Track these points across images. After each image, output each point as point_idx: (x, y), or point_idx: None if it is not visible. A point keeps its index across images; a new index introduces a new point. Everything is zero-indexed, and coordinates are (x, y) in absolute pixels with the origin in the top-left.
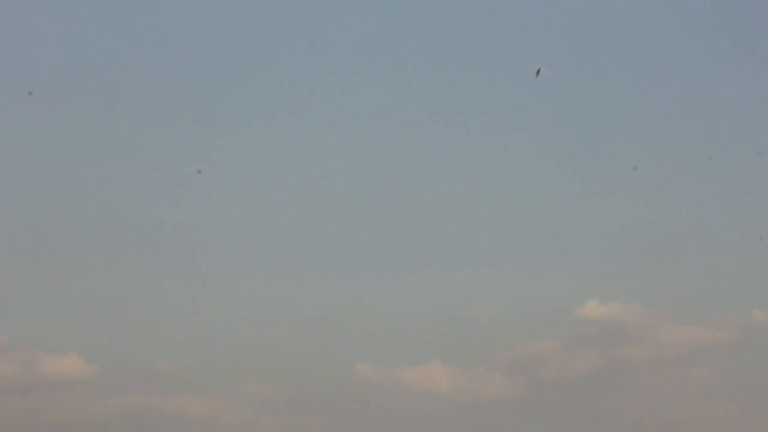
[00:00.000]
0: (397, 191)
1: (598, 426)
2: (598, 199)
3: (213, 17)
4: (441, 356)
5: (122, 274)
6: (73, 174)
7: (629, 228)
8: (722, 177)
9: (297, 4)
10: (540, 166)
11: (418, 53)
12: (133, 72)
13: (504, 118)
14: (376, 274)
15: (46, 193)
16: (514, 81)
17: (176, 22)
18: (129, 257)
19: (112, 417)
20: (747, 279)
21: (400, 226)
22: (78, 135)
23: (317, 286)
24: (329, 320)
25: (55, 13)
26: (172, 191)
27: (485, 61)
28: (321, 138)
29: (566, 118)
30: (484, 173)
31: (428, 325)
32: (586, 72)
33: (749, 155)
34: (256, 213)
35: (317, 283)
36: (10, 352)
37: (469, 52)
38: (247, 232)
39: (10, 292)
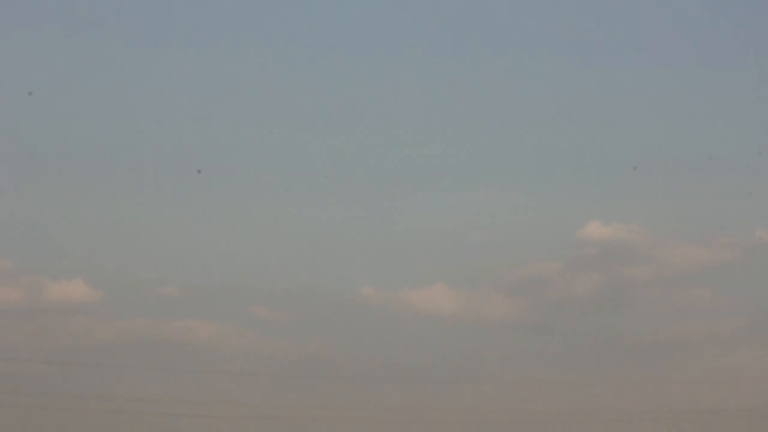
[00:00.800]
0: (400, 115)
1: (601, 345)
2: (599, 122)
3: (213, 17)
4: (444, 278)
5: (127, 200)
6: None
7: (630, 148)
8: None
9: (297, 4)
10: (543, 91)
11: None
12: (133, 71)
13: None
14: (378, 197)
15: (54, 124)
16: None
17: (176, 22)
18: (133, 183)
19: (117, 341)
20: (750, 198)
21: (401, 149)
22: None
23: (320, 210)
24: (333, 243)
25: (55, 13)
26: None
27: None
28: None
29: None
30: (486, 95)
31: (431, 247)
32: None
33: (749, 155)
34: (263, 131)
35: (320, 206)
36: (15, 278)
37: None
38: (252, 156)
39: (14, 219)
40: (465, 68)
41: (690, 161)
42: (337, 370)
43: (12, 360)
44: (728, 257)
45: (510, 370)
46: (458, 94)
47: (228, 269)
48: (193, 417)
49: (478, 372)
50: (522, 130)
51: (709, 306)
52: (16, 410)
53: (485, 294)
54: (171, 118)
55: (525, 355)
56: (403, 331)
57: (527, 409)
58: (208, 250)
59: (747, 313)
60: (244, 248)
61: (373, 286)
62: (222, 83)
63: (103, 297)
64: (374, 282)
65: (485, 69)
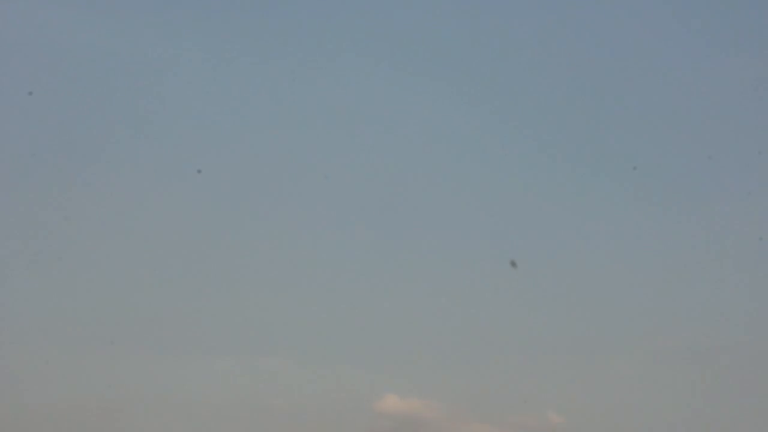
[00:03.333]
0: (198, 269)
1: None
2: (400, 298)
3: (213, 17)
4: None
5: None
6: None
7: (432, 325)
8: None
9: (297, 4)
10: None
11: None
12: (133, 71)
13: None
14: (178, 356)
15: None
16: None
17: (176, 22)
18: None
19: None
20: (543, 381)
21: (203, 309)
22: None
23: (119, 368)
24: (123, 402)
25: (55, 13)
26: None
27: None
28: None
29: None
30: (291, 260)
31: (228, 413)
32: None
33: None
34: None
35: (119, 364)
36: None
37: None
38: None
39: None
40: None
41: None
42: None
43: None
44: None
45: None
46: (255, 258)
47: None
48: None
49: None
50: (326, 301)
51: None
52: None
53: None
54: (171, 118)
55: None
56: None
57: None
58: None
59: None
60: None
61: None
62: (222, 83)
63: None
64: None
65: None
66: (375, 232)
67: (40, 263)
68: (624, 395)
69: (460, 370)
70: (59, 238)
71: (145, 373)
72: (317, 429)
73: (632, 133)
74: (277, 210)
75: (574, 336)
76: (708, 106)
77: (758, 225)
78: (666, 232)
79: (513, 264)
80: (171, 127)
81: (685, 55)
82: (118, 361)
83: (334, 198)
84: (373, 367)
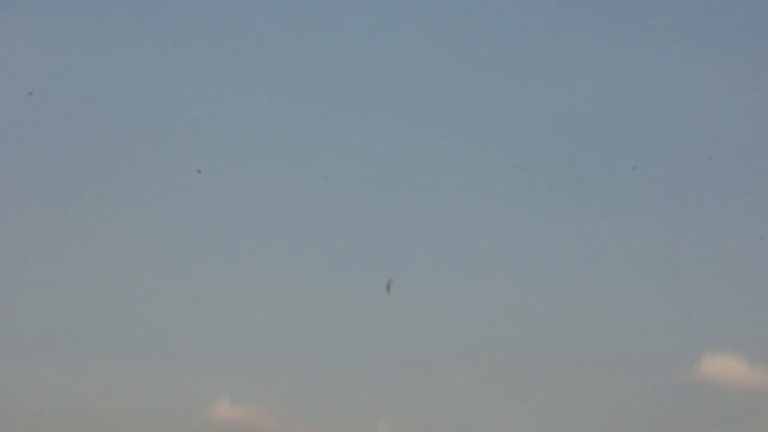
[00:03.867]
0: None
1: None
2: (235, 300)
3: (213, 17)
4: None
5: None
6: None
7: (265, 331)
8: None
9: (297, 3)
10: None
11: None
12: (133, 71)
13: None
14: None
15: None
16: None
17: (176, 21)
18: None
19: None
20: (376, 391)
21: (25, 313)
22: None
23: None
24: None
25: (55, 12)
26: None
27: (481, 63)
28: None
29: None
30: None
31: (52, 419)
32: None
33: (749, 155)
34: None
35: None
36: None
37: (466, 53)
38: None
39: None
40: None
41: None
42: None
43: None
44: None
45: None
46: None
47: None
48: None
49: None
50: (162, 303)
51: None
52: None
53: None
54: (171, 118)
55: None
56: None
57: None
58: None
59: None
60: None
61: None
62: (223, 83)
63: None
64: None
65: None
66: (209, 232)
67: None
68: (456, 408)
69: (293, 377)
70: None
71: None
72: None
73: (632, 132)
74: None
75: (407, 348)
76: (708, 106)
77: (758, 225)
78: (666, 232)
79: (388, 286)
80: (171, 127)
81: (685, 55)
82: None
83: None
84: (205, 372)
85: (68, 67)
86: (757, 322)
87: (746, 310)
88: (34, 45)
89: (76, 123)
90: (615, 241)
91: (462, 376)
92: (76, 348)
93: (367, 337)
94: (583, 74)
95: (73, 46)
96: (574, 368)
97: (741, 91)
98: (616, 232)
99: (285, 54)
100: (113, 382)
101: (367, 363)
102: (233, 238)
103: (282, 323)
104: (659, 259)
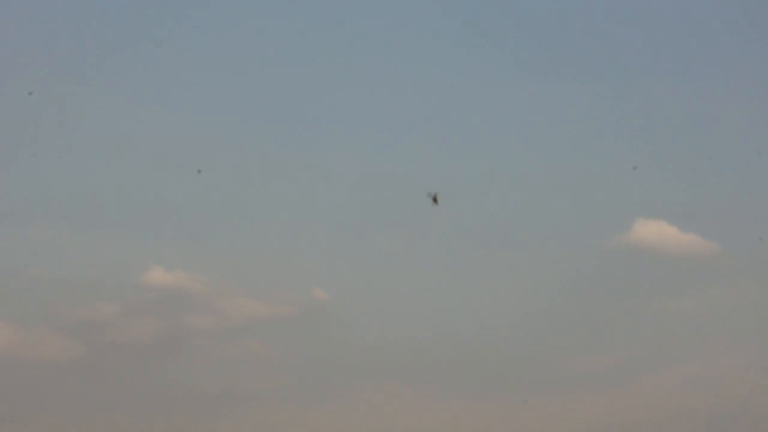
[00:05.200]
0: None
1: (156, 393)
2: (172, 171)
3: (213, 16)
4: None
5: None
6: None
7: (202, 197)
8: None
9: (297, 3)
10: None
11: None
12: (133, 71)
13: None
14: None
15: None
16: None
17: (176, 21)
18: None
19: None
20: (311, 258)
21: None
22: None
23: None
24: None
25: (55, 12)
26: None
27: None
28: None
29: None
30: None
31: None
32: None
33: (749, 155)
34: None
35: None
36: None
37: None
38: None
39: None
40: None
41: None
42: None
43: None
44: (285, 312)
45: (64, 414)
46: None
47: None
48: None
49: (28, 414)
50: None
51: (265, 358)
52: None
53: (41, 332)
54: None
55: (80, 398)
56: None
57: None
58: None
59: (299, 366)
60: None
61: None
62: (223, 82)
63: None
64: None
65: None
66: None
67: None
68: (389, 274)
69: (227, 245)
70: None
71: None
72: (80, 300)
73: (632, 133)
74: None
75: (341, 216)
76: (708, 106)
77: (758, 225)
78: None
79: (435, 199)
80: (171, 127)
81: (685, 55)
82: None
83: None
84: (139, 239)
85: (68, 67)
86: (686, 189)
87: (676, 179)
88: (35, 44)
89: (76, 123)
90: (557, 106)
91: (395, 243)
92: (9, 214)
93: (301, 206)
94: None
95: (73, 44)
96: (510, 237)
97: (742, 92)
98: (561, 97)
99: (285, 53)
100: (47, 247)
101: (301, 230)
102: (171, 118)
103: (217, 194)
104: (596, 126)
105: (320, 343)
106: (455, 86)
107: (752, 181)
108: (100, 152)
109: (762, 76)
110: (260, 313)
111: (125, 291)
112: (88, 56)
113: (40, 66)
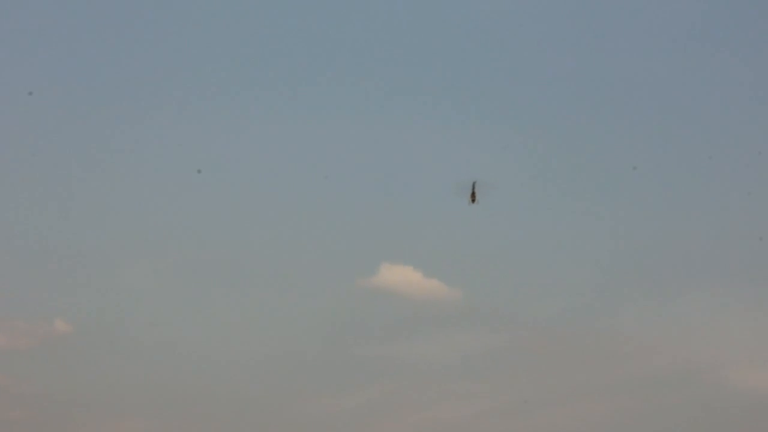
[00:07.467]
0: None
1: None
2: None
3: (212, 16)
4: None
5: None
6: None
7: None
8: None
9: (297, 3)
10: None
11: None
12: (133, 71)
13: None
14: None
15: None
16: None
17: (176, 21)
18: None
19: None
20: (52, 288)
21: None
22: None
23: None
24: None
25: (55, 12)
26: None
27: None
28: None
29: None
30: None
31: None
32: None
33: (749, 155)
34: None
35: None
36: None
37: (469, 50)
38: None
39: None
40: None
41: None
42: None
43: None
44: (26, 344)
45: None
46: None
47: None
48: None
49: None
50: None
51: (4, 393)
52: None
53: None
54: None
55: None
56: None
57: None
58: None
59: (36, 400)
60: None
61: None
62: (223, 82)
63: None
64: None
65: None
66: None
67: None
68: (136, 307)
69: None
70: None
71: None
72: None
73: (632, 133)
74: None
75: (87, 245)
76: (708, 106)
77: (758, 225)
78: (666, 233)
79: (473, 195)
80: (171, 127)
81: (685, 55)
82: None
83: None
84: None
85: (68, 66)
86: (430, 239)
87: (420, 229)
88: (34, 44)
89: (76, 123)
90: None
91: (144, 274)
92: None
93: (47, 232)
94: None
95: (72, 44)
96: (267, 274)
97: (742, 92)
98: None
99: (284, 53)
100: None
101: (43, 260)
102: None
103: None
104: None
105: (60, 376)
106: None
107: (752, 181)
108: None
109: (762, 75)
110: (1, 345)
111: None
112: (89, 57)
113: (40, 66)
